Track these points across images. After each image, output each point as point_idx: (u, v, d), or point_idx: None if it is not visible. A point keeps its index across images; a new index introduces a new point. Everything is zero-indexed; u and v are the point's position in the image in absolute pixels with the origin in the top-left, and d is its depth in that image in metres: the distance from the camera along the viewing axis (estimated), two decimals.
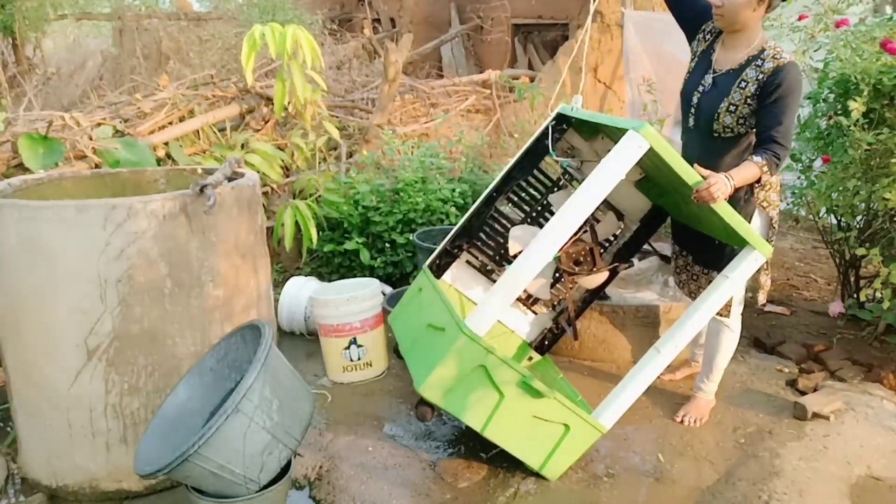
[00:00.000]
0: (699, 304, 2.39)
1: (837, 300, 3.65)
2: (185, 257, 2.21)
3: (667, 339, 2.39)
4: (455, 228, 2.76)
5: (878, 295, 3.12)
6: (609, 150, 2.14)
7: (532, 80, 6.34)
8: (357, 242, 3.96)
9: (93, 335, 2.14)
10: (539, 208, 2.91)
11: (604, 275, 2.73)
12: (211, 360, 2.25)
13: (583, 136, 2.80)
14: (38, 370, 2.21)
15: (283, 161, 4.35)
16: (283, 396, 2.06)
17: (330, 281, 3.84)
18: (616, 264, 2.79)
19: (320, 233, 3.97)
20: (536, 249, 2.15)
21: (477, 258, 2.89)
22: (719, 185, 2.18)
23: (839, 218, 3.43)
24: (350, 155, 4.88)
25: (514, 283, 2.17)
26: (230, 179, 2.45)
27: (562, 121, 2.65)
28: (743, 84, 2.43)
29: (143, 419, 2.24)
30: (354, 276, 3.94)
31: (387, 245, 4.06)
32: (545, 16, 7.86)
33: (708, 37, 2.61)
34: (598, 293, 2.98)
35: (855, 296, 3.56)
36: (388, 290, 3.46)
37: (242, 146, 4.22)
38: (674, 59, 5.47)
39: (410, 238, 3.91)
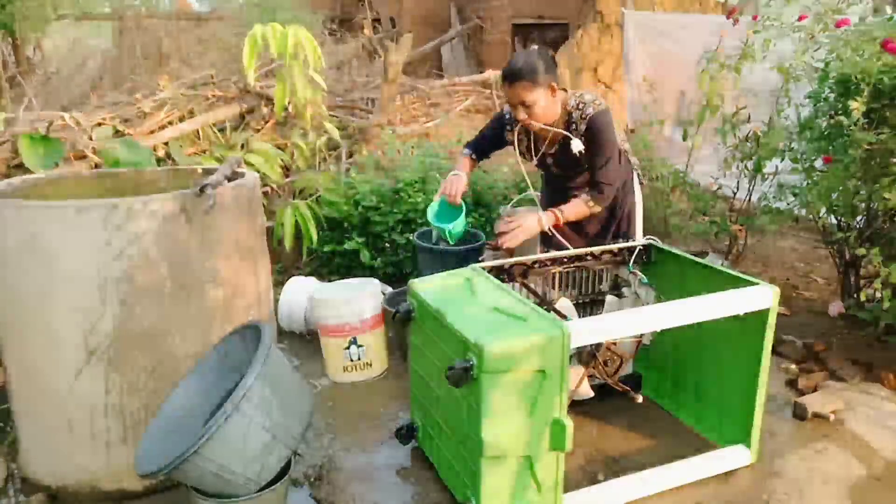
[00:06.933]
0: (673, 471, 2.34)
1: (837, 300, 3.64)
2: (186, 257, 2.21)
3: (653, 474, 2.32)
4: (517, 259, 2.64)
5: (878, 295, 3.11)
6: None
7: None
8: (357, 242, 3.96)
9: (93, 335, 2.14)
10: (588, 300, 2.83)
11: (590, 392, 2.59)
12: (211, 360, 2.25)
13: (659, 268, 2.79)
14: (38, 370, 2.21)
15: (283, 161, 4.35)
16: (283, 396, 2.06)
17: (330, 281, 3.84)
18: (627, 390, 2.63)
19: (320, 233, 3.97)
20: (629, 319, 2.15)
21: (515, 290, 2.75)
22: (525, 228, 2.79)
23: (839, 218, 3.42)
24: (350, 155, 4.89)
25: (603, 331, 2.13)
26: (230, 179, 2.44)
27: (649, 248, 2.76)
28: (576, 144, 2.79)
29: (143, 419, 2.24)
30: (354, 276, 3.94)
31: (387, 245, 4.06)
32: (545, 16, 7.87)
33: (515, 126, 2.92)
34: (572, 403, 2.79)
35: (855, 296, 3.56)
36: (388, 290, 3.46)
37: (242, 146, 4.22)
38: (674, 59, 5.48)
39: (410, 238, 3.91)
